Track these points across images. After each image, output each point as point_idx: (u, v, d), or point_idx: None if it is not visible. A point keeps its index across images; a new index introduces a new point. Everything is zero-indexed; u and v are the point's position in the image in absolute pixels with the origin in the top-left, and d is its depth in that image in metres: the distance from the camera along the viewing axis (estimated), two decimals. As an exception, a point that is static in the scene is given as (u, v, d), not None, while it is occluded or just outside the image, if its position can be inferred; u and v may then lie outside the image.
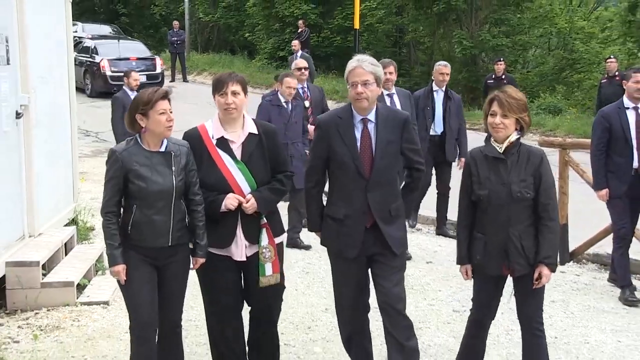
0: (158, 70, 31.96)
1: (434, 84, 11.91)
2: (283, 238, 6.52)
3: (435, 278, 10.07)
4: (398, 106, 11.19)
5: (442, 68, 12.29)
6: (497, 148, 5.76)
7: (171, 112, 5.75)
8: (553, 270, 5.78)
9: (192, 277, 6.25)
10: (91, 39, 32.52)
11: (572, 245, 11.18)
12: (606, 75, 20.18)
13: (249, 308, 6.51)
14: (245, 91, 6.09)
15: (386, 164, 5.72)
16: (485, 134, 19.49)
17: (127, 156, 5.61)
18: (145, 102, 5.52)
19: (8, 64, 9.26)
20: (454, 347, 7.73)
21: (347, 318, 6.18)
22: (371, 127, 5.70)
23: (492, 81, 20.83)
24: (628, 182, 8.78)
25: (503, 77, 20.65)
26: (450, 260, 10.50)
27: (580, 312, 8.82)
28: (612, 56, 21.79)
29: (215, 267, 6.07)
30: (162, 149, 5.71)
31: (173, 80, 34.73)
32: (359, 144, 5.72)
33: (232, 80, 5.92)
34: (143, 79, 30.10)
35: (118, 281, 5.78)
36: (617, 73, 19.97)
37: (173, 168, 5.68)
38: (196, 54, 40.71)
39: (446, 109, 11.59)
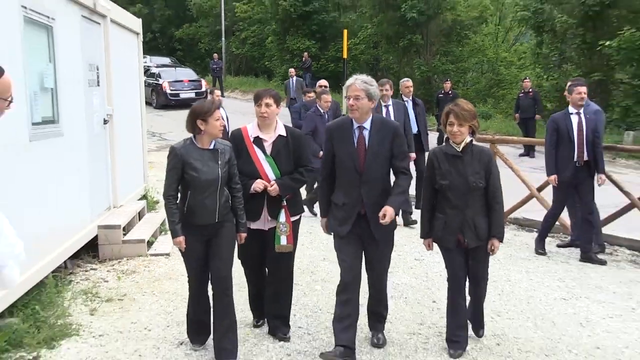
0: (203, 89, 31.89)
1: (403, 96, 11.65)
2: (299, 216, 6.27)
3: (403, 236, 9.98)
4: (392, 115, 11.03)
5: (405, 82, 11.95)
6: (456, 147, 5.58)
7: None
8: (501, 241, 5.74)
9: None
10: (156, 67, 32.49)
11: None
12: (522, 91, 20.07)
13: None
14: (277, 103, 6.00)
15: (376, 164, 5.44)
16: (437, 133, 19.72)
17: (184, 152, 5.53)
18: (206, 111, 5.44)
19: (98, 85, 9.38)
20: (415, 285, 7.87)
21: (343, 270, 5.73)
22: (365, 133, 5.43)
23: (441, 95, 20.73)
24: (571, 171, 8.68)
25: (450, 92, 20.52)
26: (415, 227, 10.56)
27: (504, 259, 8.87)
28: (526, 77, 21.76)
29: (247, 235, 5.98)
30: (211, 147, 5.56)
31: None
32: (355, 146, 5.47)
33: (267, 95, 5.90)
34: (192, 95, 30.22)
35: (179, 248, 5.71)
36: (530, 90, 19.91)
37: (219, 162, 5.54)
38: (230, 77, 40.53)
39: (417, 113, 11.38)
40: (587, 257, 8.86)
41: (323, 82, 13.32)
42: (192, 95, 30.49)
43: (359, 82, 5.41)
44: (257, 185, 5.81)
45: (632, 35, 21.51)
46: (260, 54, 42.33)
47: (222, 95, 35.42)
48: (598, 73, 23.92)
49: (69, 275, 7.80)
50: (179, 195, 5.65)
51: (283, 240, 5.88)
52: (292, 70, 26.11)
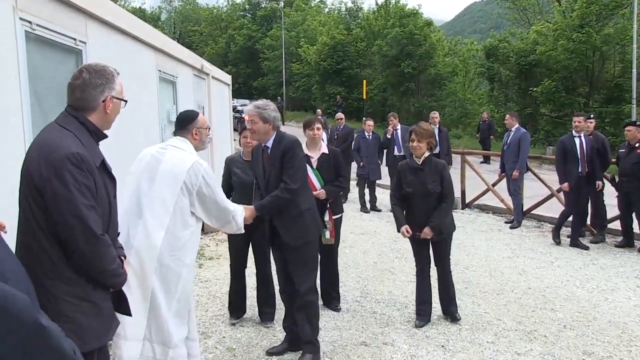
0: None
1: (431, 124, 9.73)
2: (340, 215, 5.48)
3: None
4: (399, 136, 10.61)
5: (433, 114, 11.04)
6: (417, 161, 4.87)
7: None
8: (434, 230, 4.81)
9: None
10: (240, 106, 32.62)
11: (468, 199, 11.15)
12: (482, 120, 19.94)
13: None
14: (323, 127, 5.44)
15: (274, 178, 4.04)
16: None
17: (230, 161, 5.14)
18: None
19: (204, 118, 9.48)
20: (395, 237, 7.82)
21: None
22: (268, 151, 4.10)
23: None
24: (575, 180, 7.91)
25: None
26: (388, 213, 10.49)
27: (471, 232, 8.84)
28: (484, 111, 21.63)
29: None
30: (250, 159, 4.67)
31: (278, 124, 34.68)
32: (261, 164, 4.21)
33: (317, 121, 5.33)
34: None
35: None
36: (486, 119, 19.81)
37: None
38: (288, 112, 40.60)
39: (440, 138, 9.98)
40: (574, 243, 7.99)
41: (339, 115, 12.47)
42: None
43: (251, 107, 4.12)
44: None
45: (549, 85, 22.98)
46: (308, 96, 42.27)
47: (283, 124, 35.70)
48: (529, 109, 24.78)
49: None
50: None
51: (327, 235, 5.20)
52: (319, 110, 25.71)
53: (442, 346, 4.56)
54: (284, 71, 42.25)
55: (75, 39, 4.61)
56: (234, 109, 30.86)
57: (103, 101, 2.46)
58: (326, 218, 5.19)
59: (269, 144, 4.15)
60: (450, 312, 5.17)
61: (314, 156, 5.28)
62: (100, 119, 2.50)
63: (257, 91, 48.82)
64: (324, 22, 45.20)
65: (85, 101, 2.43)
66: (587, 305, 5.53)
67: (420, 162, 4.88)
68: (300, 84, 42.97)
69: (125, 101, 2.63)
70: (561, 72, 23.13)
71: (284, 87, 41.98)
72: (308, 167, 5.12)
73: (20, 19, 3.82)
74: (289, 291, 4.30)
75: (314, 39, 41.67)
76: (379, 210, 10.56)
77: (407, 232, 4.92)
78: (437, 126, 10.59)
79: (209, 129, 3.74)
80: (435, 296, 5.21)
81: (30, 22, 3.91)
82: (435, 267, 5.15)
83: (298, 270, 4.18)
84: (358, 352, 4.43)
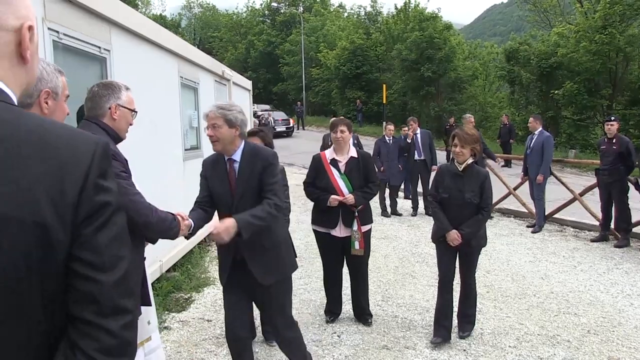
0: (291, 125, 32.09)
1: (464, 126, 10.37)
2: (369, 226, 5.08)
3: (400, 228, 9.91)
4: (419, 141, 10.50)
5: (469, 118, 10.70)
6: (458, 167, 4.53)
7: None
8: (463, 237, 4.43)
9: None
10: (260, 111, 32.79)
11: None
12: (502, 124, 19.82)
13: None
14: (349, 130, 4.98)
15: (247, 198, 3.26)
16: (446, 153, 19.47)
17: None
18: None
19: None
20: (416, 241, 7.84)
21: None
22: (236, 166, 3.29)
23: (448, 127, 20.34)
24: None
25: (453, 124, 20.25)
26: (409, 218, 10.46)
27: (492, 236, 8.69)
28: (505, 115, 21.46)
29: (327, 240, 4.96)
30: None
31: (298, 129, 34.84)
32: (227, 181, 3.33)
33: (341, 124, 4.94)
34: (284, 128, 30.31)
35: None
36: (507, 123, 19.68)
37: None
38: (308, 116, 40.64)
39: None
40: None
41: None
42: (283, 128, 30.58)
43: (213, 109, 3.26)
44: (332, 200, 4.80)
45: (571, 87, 22.70)
46: (327, 101, 42.27)
47: (303, 128, 35.86)
48: (551, 111, 24.49)
49: (208, 246, 7.85)
50: None
51: (356, 245, 4.90)
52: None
53: (464, 350, 4.55)
54: (303, 76, 42.38)
55: (100, 47, 4.71)
56: (254, 114, 31.18)
57: (109, 108, 2.77)
58: (354, 227, 4.88)
59: (236, 156, 3.31)
60: (463, 328, 4.84)
61: (342, 160, 4.97)
62: (111, 125, 2.78)
63: (276, 96, 49.04)
64: (343, 27, 45.30)
65: (94, 109, 2.78)
66: (612, 310, 5.47)
67: (462, 168, 4.53)
68: (320, 89, 43.04)
69: (135, 112, 2.91)
70: (583, 74, 22.88)
71: (303, 92, 42.09)
72: (335, 171, 4.92)
73: (49, 29, 3.92)
74: (243, 337, 3.54)
75: (333, 43, 41.76)
76: (400, 215, 10.54)
77: (458, 236, 4.47)
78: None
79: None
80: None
81: (57, 32, 4.01)
82: (460, 280, 4.81)
83: (275, 313, 3.56)
84: (380, 356, 4.44)
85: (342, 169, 4.94)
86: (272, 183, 3.28)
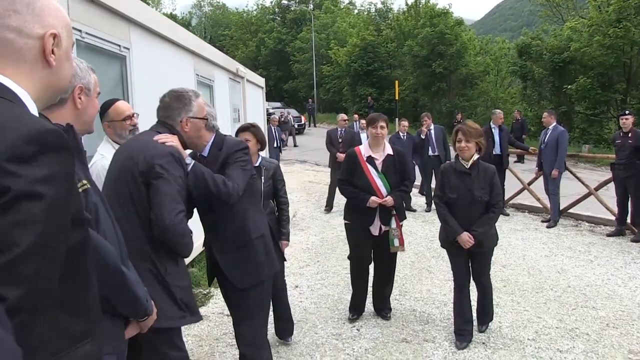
0: (302, 122, 32.12)
1: (491, 123, 10.06)
2: (402, 223, 4.94)
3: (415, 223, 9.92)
4: (433, 137, 10.48)
5: (499, 114, 10.32)
6: (465, 164, 4.33)
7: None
8: (474, 237, 4.28)
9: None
10: (272, 108, 32.83)
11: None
12: (514, 119, 19.74)
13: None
14: (388, 126, 4.93)
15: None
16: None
17: None
18: None
19: (239, 120, 9.64)
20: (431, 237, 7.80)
21: None
22: (203, 161, 3.00)
23: (455, 123, 20.10)
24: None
25: (461, 120, 19.97)
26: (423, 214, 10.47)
27: (507, 231, 8.73)
28: (517, 110, 21.36)
29: (360, 234, 4.87)
30: (256, 164, 4.24)
31: (310, 127, 34.86)
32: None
33: (381, 119, 4.78)
34: (295, 125, 30.34)
35: None
36: (519, 118, 19.59)
37: (262, 178, 4.24)
38: (320, 113, 40.63)
39: (501, 138, 9.81)
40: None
41: (343, 116, 11.45)
42: (295, 125, 30.69)
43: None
44: (372, 203, 4.68)
45: (584, 82, 22.49)
46: (339, 98, 42.30)
47: (315, 125, 35.86)
48: (564, 106, 24.30)
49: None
50: None
51: (396, 243, 4.82)
52: (355, 115, 25.38)
53: (483, 343, 4.58)
54: (314, 73, 42.41)
55: (120, 46, 4.78)
56: (267, 111, 31.18)
57: (180, 121, 2.81)
58: (393, 225, 4.80)
59: (205, 151, 3.07)
60: (481, 322, 4.81)
61: (379, 158, 4.81)
62: (183, 135, 2.83)
63: (287, 94, 49.09)
64: (353, 24, 45.26)
65: (168, 118, 2.82)
66: (631, 304, 5.47)
67: (469, 165, 4.33)
68: (331, 86, 43.07)
69: (206, 119, 2.94)
70: (597, 68, 22.70)
71: (314, 89, 42.13)
72: (373, 170, 4.78)
73: (73, 28, 3.99)
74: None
75: (344, 40, 41.74)
76: (414, 211, 10.55)
77: (470, 239, 4.31)
78: (497, 126, 10.13)
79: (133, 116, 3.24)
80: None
81: (80, 31, 4.08)
82: (474, 281, 4.69)
83: (242, 321, 3.28)
84: (400, 349, 4.48)
85: (380, 167, 4.81)
86: (231, 169, 2.94)
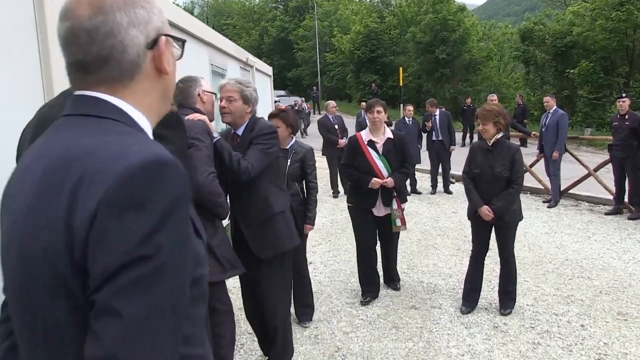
0: (306, 110, 32.31)
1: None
2: (404, 205, 5.15)
3: (421, 205, 10.25)
4: (437, 122, 10.72)
5: (491, 97, 11.00)
6: (488, 142, 4.63)
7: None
8: (494, 211, 4.57)
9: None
10: (277, 96, 33.04)
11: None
12: (517, 104, 19.99)
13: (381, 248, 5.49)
14: (385, 111, 5.07)
15: None
16: (462, 133, 19.68)
17: None
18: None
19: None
20: (436, 217, 8.25)
21: None
22: (237, 140, 3.40)
23: (465, 107, 20.35)
24: None
25: (470, 105, 20.28)
26: (428, 196, 10.92)
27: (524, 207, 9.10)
28: (520, 95, 21.60)
29: (364, 218, 5.06)
30: (287, 147, 4.41)
31: (314, 114, 35.06)
32: None
33: (377, 104, 5.01)
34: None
35: None
36: (521, 103, 19.82)
37: (289, 160, 4.38)
38: (324, 101, 40.78)
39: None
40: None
41: (332, 102, 11.55)
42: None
43: (232, 82, 3.38)
44: (374, 184, 4.88)
45: (587, 66, 22.90)
46: (342, 85, 42.57)
47: (319, 113, 36.08)
48: (566, 91, 24.65)
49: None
50: None
51: (398, 223, 5.03)
52: (362, 103, 25.70)
53: (486, 308, 5.00)
54: (318, 61, 42.66)
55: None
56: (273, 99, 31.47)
57: (198, 94, 3.19)
58: (394, 206, 5.01)
59: (240, 131, 3.43)
60: (504, 305, 4.92)
61: (379, 141, 5.02)
62: (202, 108, 3.19)
63: (291, 82, 49.31)
64: (356, 11, 45.46)
65: (186, 98, 3.18)
66: (623, 275, 5.88)
67: (491, 143, 4.63)
68: (335, 73, 43.30)
69: (215, 94, 3.33)
70: (599, 52, 22.95)
71: (318, 76, 42.38)
72: (374, 153, 4.98)
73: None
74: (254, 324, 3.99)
75: (347, 28, 41.96)
76: (419, 193, 10.95)
77: (489, 212, 4.59)
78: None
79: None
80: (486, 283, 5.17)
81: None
82: (499, 256, 4.90)
83: (269, 292, 3.56)
84: (409, 314, 4.91)
85: (380, 150, 5.00)
86: (251, 150, 3.26)
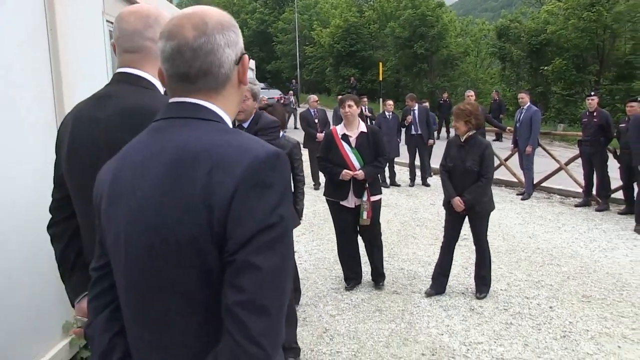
0: (293, 104, 32.47)
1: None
2: (379, 197, 5.30)
3: (400, 197, 10.61)
4: (417, 116, 11.03)
5: (467, 92, 11.40)
6: (461, 138, 4.99)
7: None
8: (466, 205, 4.93)
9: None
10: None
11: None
12: (493, 99, 20.40)
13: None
14: (357, 105, 5.22)
15: None
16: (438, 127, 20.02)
17: None
18: None
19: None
20: (415, 208, 8.61)
21: None
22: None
23: (441, 102, 20.65)
24: None
25: (447, 100, 20.65)
26: (407, 188, 11.28)
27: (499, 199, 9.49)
28: (496, 90, 22.06)
29: (339, 210, 5.23)
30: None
31: (293, 106, 35.13)
32: None
33: (348, 99, 5.21)
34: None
35: None
36: (497, 98, 20.22)
37: None
38: (302, 94, 40.98)
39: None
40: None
41: (314, 97, 11.72)
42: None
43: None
44: (344, 176, 5.07)
45: (560, 63, 23.56)
46: (322, 78, 42.73)
47: (298, 106, 36.18)
48: (540, 87, 25.34)
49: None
50: None
51: (364, 215, 5.15)
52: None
53: (462, 293, 5.36)
54: (297, 54, 42.78)
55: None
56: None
57: None
58: (364, 198, 5.13)
59: (246, 124, 3.70)
60: (479, 290, 5.24)
61: (352, 135, 5.18)
62: None
63: (270, 74, 49.31)
64: (336, 5, 45.57)
65: None
66: (589, 261, 6.29)
67: (463, 139, 4.98)
68: (314, 67, 43.45)
69: None
70: (572, 50, 23.60)
71: (298, 69, 42.50)
72: (347, 146, 5.15)
73: (107, 21, 4.58)
74: None
75: (326, 21, 42.18)
76: (398, 185, 11.29)
77: (460, 203, 4.93)
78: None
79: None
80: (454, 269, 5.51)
81: (112, 23, 4.66)
82: (474, 245, 5.21)
83: None
84: (391, 298, 5.25)
85: (353, 143, 5.18)
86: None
